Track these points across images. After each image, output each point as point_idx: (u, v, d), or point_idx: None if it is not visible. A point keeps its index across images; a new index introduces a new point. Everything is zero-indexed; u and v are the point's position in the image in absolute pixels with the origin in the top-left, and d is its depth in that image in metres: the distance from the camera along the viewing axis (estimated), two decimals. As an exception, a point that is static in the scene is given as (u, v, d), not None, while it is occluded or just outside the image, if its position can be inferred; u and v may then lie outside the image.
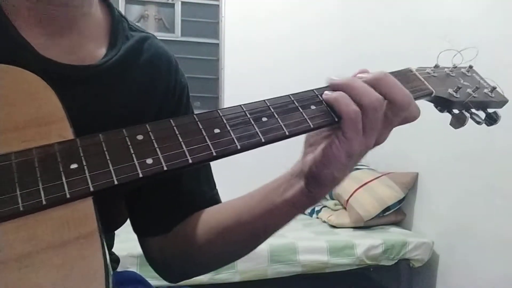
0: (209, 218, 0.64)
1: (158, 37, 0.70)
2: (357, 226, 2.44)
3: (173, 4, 3.19)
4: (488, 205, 2.00)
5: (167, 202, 0.65)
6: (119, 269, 0.75)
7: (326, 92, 0.50)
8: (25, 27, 0.54)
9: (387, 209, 2.43)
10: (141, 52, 0.64)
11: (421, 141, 2.38)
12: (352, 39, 3.19)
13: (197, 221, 0.64)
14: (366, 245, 2.17)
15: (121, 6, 3.06)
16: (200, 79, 3.18)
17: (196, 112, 0.71)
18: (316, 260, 2.10)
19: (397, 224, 2.56)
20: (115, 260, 0.74)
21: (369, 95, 0.47)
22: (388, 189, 2.45)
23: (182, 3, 3.20)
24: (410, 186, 2.49)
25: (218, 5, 3.25)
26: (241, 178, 2.73)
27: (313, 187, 0.52)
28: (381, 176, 2.57)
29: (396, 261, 2.21)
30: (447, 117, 0.65)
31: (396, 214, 2.52)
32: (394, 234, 2.33)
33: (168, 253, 0.66)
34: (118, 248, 0.72)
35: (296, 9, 3.32)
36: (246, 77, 3.16)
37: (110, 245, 0.71)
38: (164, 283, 0.72)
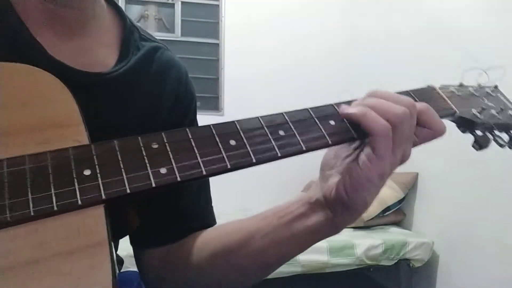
0: (214, 239, 0.61)
1: (158, 37, 0.70)
2: (357, 226, 2.44)
3: (173, 4, 3.19)
4: (488, 205, 2.01)
5: (165, 215, 0.64)
6: (122, 269, 0.75)
7: (351, 109, 0.48)
8: (37, 28, 0.54)
9: (387, 209, 2.44)
10: (152, 62, 0.64)
11: (421, 142, 2.37)
12: (353, 40, 3.19)
13: (201, 240, 0.62)
14: (366, 245, 2.18)
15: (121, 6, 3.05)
16: (200, 79, 3.17)
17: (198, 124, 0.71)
18: (316, 260, 2.11)
19: (397, 224, 2.57)
20: (120, 261, 0.74)
21: (393, 110, 0.45)
22: (388, 189, 2.45)
23: (182, 3, 3.20)
24: (410, 186, 2.49)
25: (218, 5, 3.25)
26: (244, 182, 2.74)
27: (342, 214, 0.49)
28: (381, 176, 2.56)
29: (396, 261, 2.22)
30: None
31: (396, 214, 2.53)
32: (394, 234, 2.34)
33: (167, 269, 0.64)
34: (119, 248, 0.72)
35: (296, 9, 3.31)
36: (246, 77, 3.15)
37: (115, 247, 0.71)
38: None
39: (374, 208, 2.40)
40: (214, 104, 3.22)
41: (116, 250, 0.71)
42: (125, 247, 0.75)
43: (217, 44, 3.26)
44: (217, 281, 0.60)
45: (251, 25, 3.22)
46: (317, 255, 2.11)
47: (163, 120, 0.64)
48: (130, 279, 0.73)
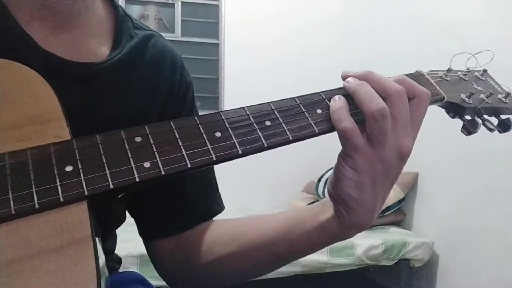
0: (230, 235, 0.61)
1: (158, 37, 0.69)
2: (357, 226, 2.43)
3: (173, 4, 3.19)
4: (488, 205, 2.00)
5: (171, 205, 0.64)
6: (120, 269, 0.74)
7: (331, 103, 0.47)
8: (27, 21, 0.53)
9: (387, 209, 2.43)
10: (146, 50, 0.63)
11: (421, 141, 2.35)
12: (353, 40, 3.19)
13: (214, 232, 0.62)
14: (366, 245, 2.17)
15: (120, 6, 3.06)
16: (200, 79, 3.17)
17: (198, 111, 0.70)
18: (316, 260, 2.10)
19: (397, 224, 2.56)
20: (117, 260, 0.74)
21: (369, 104, 0.44)
22: (388, 189, 2.44)
23: (182, 3, 3.20)
24: (410, 186, 2.49)
25: (218, 5, 3.25)
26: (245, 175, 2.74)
27: (340, 211, 0.48)
28: (381, 176, 2.56)
29: (396, 261, 2.21)
30: (447, 117, 0.64)
31: (396, 214, 2.52)
32: (394, 234, 2.33)
33: (178, 259, 0.64)
34: (118, 248, 0.72)
35: (296, 9, 3.31)
36: (246, 77, 3.15)
37: (112, 249, 0.70)
38: (165, 283, 0.71)
39: (374, 208, 2.40)
40: (214, 104, 3.22)
41: (113, 252, 0.71)
42: (124, 247, 0.74)
43: (217, 44, 3.25)
44: (228, 272, 0.61)
45: (251, 25, 3.22)
46: (317, 255, 2.10)
47: (159, 110, 0.63)
48: (129, 279, 0.73)
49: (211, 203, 0.67)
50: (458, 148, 2.10)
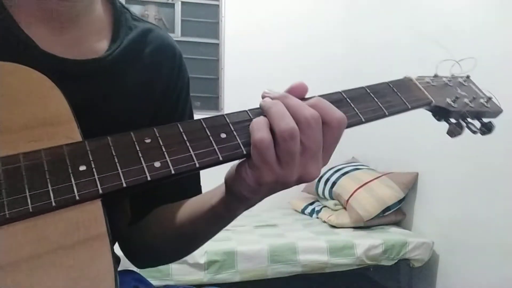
0: (174, 212, 0.65)
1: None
2: (357, 226, 2.44)
3: (173, 4, 3.20)
4: (488, 205, 2.01)
5: (162, 193, 0.66)
6: (119, 268, 0.75)
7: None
8: (27, 23, 0.54)
9: (387, 209, 2.44)
10: (145, 44, 0.64)
11: (421, 141, 2.38)
12: (353, 40, 3.20)
13: (167, 212, 0.65)
14: (366, 245, 2.18)
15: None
16: (200, 79, 3.18)
17: (196, 111, 0.72)
18: (316, 260, 2.11)
19: (397, 224, 2.57)
20: (116, 260, 0.74)
21: (279, 122, 0.43)
22: (388, 189, 2.45)
23: (182, 3, 3.21)
24: (410, 186, 2.49)
25: (218, 5, 3.26)
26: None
27: (229, 198, 0.51)
28: (381, 176, 2.57)
29: (396, 261, 2.22)
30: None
31: (396, 214, 2.53)
32: (394, 234, 2.34)
33: (138, 234, 0.67)
34: (118, 247, 0.73)
35: (296, 8, 3.32)
36: (246, 77, 3.16)
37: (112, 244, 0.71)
38: (165, 283, 0.72)
39: (374, 208, 2.41)
40: (214, 104, 3.23)
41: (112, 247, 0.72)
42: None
43: (217, 44, 3.27)
44: (168, 249, 0.67)
45: (251, 25, 3.23)
46: (317, 255, 2.11)
47: (156, 104, 0.65)
48: (130, 279, 0.74)
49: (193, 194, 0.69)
50: (458, 148, 2.11)
